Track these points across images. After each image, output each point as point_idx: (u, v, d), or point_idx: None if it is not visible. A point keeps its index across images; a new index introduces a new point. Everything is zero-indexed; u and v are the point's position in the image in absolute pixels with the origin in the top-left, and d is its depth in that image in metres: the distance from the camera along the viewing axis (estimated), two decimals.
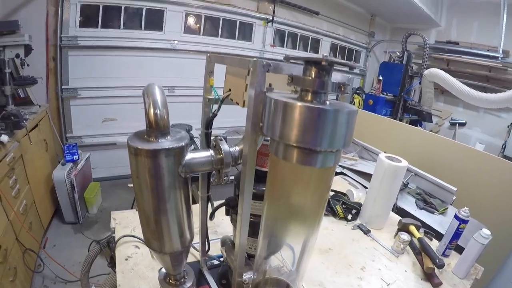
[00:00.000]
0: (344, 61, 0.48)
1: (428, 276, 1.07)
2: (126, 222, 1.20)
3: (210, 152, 0.65)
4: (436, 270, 1.08)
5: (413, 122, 4.03)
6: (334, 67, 0.50)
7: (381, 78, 4.16)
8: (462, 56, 4.19)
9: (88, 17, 3.01)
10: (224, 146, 0.64)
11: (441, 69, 3.69)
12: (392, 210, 1.62)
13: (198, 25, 3.67)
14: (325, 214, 1.43)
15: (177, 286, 0.74)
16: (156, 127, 0.56)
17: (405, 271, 1.10)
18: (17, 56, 2.30)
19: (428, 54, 4.15)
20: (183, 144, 0.58)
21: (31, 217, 2.19)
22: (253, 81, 0.52)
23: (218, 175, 0.65)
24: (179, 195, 0.61)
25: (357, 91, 4.62)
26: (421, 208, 1.67)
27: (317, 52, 4.65)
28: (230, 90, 0.73)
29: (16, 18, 2.47)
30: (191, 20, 3.60)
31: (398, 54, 4.23)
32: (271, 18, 3.94)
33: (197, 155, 0.62)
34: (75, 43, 2.95)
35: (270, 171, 0.57)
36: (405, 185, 1.86)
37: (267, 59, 0.52)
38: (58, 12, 2.79)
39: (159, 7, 3.31)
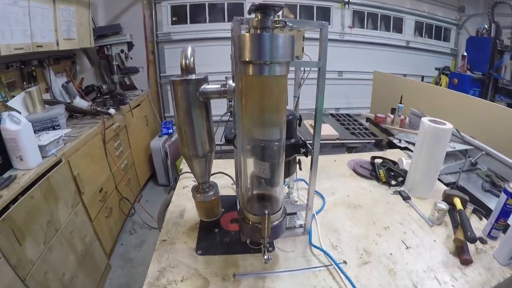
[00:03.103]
0: (271, 2, 0.59)
1: (458, 250, 0.92)
2: None
3: (220, 85, 0.80)
4: (471, 248, 0.92)
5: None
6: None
7: (465, 54, 3.53)
8: None
9: (178, 16, 3.48)
10: (229, 82, 0.81)
11: None
12: (452, 188, 1.46)
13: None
14: (368, 178, 1.40)
15: (202, 193, 0.95)
16: (186, 69, 0.79)
17: (434, 241, 0.98)
18: (122, 51, 2.87)
19: None
20: (200, 78, 0.79)
21: (130, 174, 2.71)
22: (234, 30, 0.69)
23: (228, 103, 0.82)
24: (199, 113, 0.82)
25: (444, 71, 4.03)
26: (486, 190, 1.43)
27: (400, 32, 4.24)
28: None
29: (118, 22, 3.06)
30: None
31: (486, 27, 3.52)
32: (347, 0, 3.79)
33: (209, 86, 0.81)
34: (169, 38, 3.45)
35: (240, 88, 0.66)
36: (473, 165, 1.62)
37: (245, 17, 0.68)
38: (153, 14, 3.33)
39: (239, 1, 3.57)
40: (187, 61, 0.79)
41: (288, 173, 0.95)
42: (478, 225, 1.06)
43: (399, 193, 1.27)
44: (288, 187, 1.18)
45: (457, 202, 1.10)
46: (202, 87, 0.79)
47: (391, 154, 1.64)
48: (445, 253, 0.93)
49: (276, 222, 0.74)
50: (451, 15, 4.45)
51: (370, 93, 3.53)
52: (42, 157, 1.54)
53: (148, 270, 0.87)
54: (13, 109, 1.75)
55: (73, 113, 2.23)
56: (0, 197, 1.26)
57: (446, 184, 1.42)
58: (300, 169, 1.00)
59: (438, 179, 1.31)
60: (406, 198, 1.22)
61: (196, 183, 1.00)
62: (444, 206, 1.05)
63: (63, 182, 1.65)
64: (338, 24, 3.95)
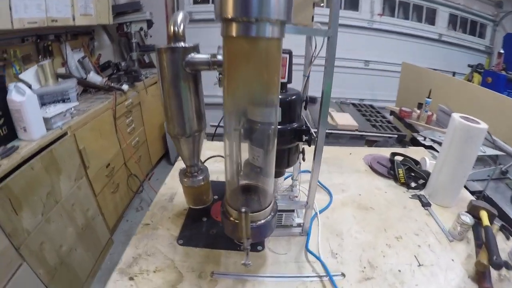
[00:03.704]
0: None
1: (479, 276, 0.75)
2: None
3: (209, 55, 0.67)
4: (493, 274, 0.75)
5: None
6: None
7: (502, 51, 3.16)
8: None
9: None
10: (220, 51, 0.66)
11: None
12: (478, 198, 1.27)
13: None
14: (385, 177, 1.23)
15: (190, 177, 0.83)
16: (174, 36, 0.68)
17: (452, 260, 0.81)
18: (141, 29, 2.78)
19: None
20: (187, 46, 0.68)
21: (141, 152, 2.66)
22: None
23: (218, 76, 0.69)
24: (186, 86, 0.70)
25: (477, 69, 3.61)
26: None
27: (432, 24, 3.84)
28: None
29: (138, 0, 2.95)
30: None
31: None
32: None
33: (198, 56, 0.68)
34: (190, 18, 3.33)
35: (224, 57, 0.53)
36: (503, 173, 1.39)
37: None
38: None
39: None
40: (176, 28, 0.67)
41: (288, 163, 0.81)
42: (504, 246, 0.87)
43: (418, 197, 1.09)
44: (292, 178, 1.05)
45: (484, 217, 0.92)
46: (190, 56, 0.67)
47: (414, 152, 1.44)
48: (462, 276, 0.76)
49: (262, 221, 0.61)
50: (487, 10, 3.96)
51: (397, 86, 3.25)
52: (47, 129, 1.50)
53: (123, 255, 0.79)
54: (24, 82, 1.72)
55: (87, 88, 2.18)
56: None
57: (472, 192, 1.23)
58: (303, 159, 0.85)
59: (464, 186, 1.12)
60: (425, 204, 1.05)
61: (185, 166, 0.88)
62: (469, 220, 0.87)
63: (67, 155, 1.60)
64: (367, 11, 3.63)
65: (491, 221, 0.92)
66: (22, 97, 1.35)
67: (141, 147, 2.65)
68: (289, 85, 0.78)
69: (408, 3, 3.73)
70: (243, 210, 0.53)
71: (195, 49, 0.69)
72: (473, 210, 0.95)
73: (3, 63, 1.66)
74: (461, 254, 0.84)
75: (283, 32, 0.48)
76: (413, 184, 1.17)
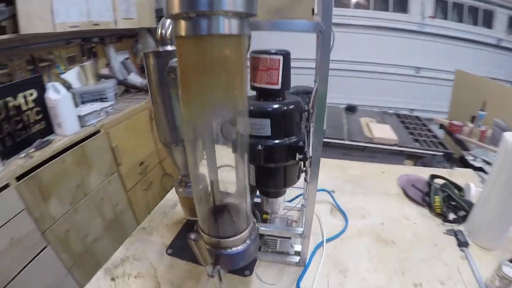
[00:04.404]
0: None
1: None
2: None
3: None
4: None
5: None
6: None
7: None
8: None
9: None
10: None
11: None
12: None
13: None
14: (419, 204, 1.03)
15: (184, 187, 0.79)
16: (161, 40, 0.64)
17: None
18: None
19: None
20: (171, 50, 0.63)
21: None
22: None
23: None
24: (173, 92, 0.65)
25: None
26: None
27: (489, 27, 3.32)
28: None
29: None
30: None
31: None
32: None
33: None
34: None
35: (177, 61, 0.43)
36: None
37: None
38: None
39: None
40: (163, 31, 0.62)
41: (285, 183, 0.70)
42: None
43: (455, 233, 0.88)
44: (304, 198, 0.93)
45: None
46: (172, 60, 0.61)
47: (459, 175, 1.19)
48: None
49: (231, 251, 0.51)
50: None
51: (450, 95, 2.87)
52: (81, 126, 1.59)
53: (113, 255, 0.80)
54: (65, 81, 1.84)
55: (128, 88, 2.27)
56: (32, 157, 1.31)
57: None
58: (305, 180, 0.73)
59: None
60: (462, 243, 0.84)
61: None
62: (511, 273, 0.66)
63: (99, 151, 1.67)
64: (417, 13, 3.27)
65: None
66: (57, 95, 1.45)
67: None
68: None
69: (461, 4, 3.29)
70: (192, 237, 0.44)
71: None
72: None
73: (48, 63, 1.80)
74: None
75: (244, 28, 0.38)
76: (451, 216, 0.96)
